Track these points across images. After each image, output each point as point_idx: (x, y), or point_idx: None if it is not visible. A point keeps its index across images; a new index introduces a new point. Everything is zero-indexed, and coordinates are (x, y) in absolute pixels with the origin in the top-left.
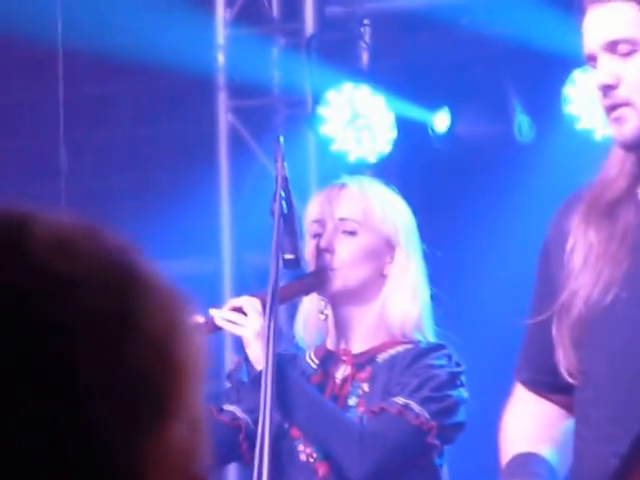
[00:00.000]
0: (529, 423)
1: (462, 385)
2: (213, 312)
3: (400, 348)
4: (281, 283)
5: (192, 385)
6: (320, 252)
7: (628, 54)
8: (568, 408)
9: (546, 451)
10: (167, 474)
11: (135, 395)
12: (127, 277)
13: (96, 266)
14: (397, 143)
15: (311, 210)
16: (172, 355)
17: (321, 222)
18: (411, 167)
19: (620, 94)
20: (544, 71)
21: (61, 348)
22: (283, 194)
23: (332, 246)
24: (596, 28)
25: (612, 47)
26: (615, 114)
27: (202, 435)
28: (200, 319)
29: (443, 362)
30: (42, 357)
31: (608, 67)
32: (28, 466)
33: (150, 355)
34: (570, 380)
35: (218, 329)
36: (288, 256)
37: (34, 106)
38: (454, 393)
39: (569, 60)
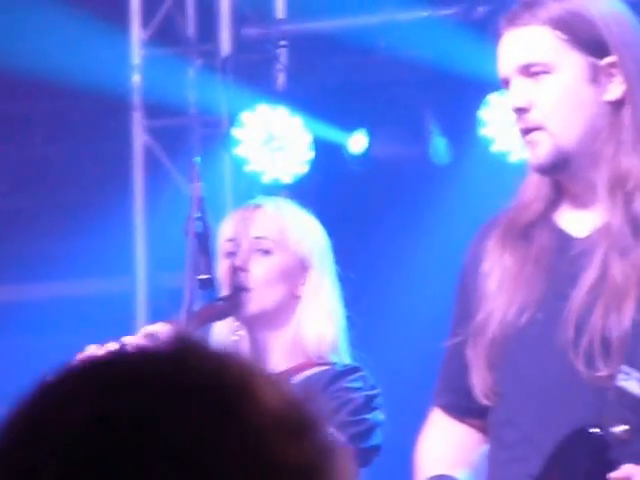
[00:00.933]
0: (444, 446)
1: (377, 408)
2: (127, 339)
3: (316, 369)
4: (196, 306)
5: None
6: (235, 271)
7: (541, 77)
8: (483, 431)
9: (460, 474)
10: None
11: None
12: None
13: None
14: (314, 164)
15: (225, 229)
16: None
17: (235, 241)
18: (327, 188)
19: (532, 118)
20: (460, 94)
21: None
22: (198, 214)
23: (247, 265)
24: (510, 51)
25: (525, 70)
26: (528, 138)
27: None
28: (113, 346)
29: (359, 385)
30: None
31: (521, 90)
32: None
33: None
34: (485, 402)
35: None
36: (203, 276)
37: None
38: (370, 417)
39: (484, 83)
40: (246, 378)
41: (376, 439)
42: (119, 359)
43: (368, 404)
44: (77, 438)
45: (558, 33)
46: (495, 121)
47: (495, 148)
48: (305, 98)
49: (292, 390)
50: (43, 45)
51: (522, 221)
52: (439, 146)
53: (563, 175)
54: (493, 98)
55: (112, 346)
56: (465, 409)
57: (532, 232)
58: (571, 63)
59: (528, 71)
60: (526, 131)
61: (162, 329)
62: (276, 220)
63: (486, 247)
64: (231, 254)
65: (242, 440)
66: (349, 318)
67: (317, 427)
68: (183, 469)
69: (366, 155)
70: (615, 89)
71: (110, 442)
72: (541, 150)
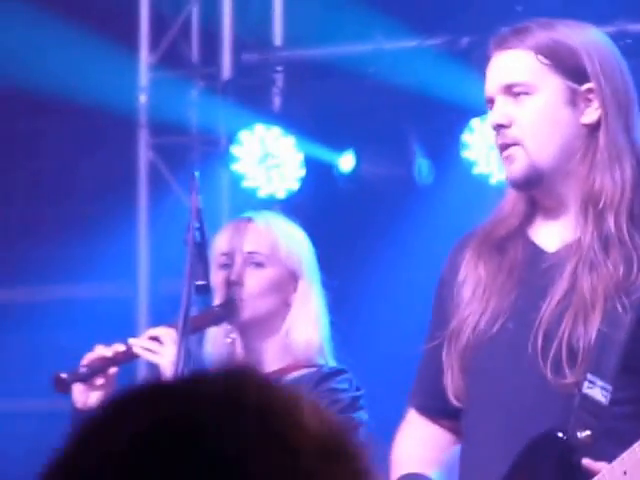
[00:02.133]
0: (418, 446)
1: (362, 408)
2: (132, 341)
3: (304, 371)
4: (193, 311)
5: None
6: (229, 284)
7: (522, 98)
8: (456, 432)
9: (432, 473)
10: None
11: None
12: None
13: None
14: (305, 181)
15: (219, 242)
16: None
17: (229, 255)
18: (317, 203)
19: (511, 134)
20: (444, 118)
21: None
22: (197, 224)
23: (241, 278)
24: (495, 72)
25: (508, 90)
26: (506, 153)
27: None
28: (120, 347)
29: (345, 386)
30: None
31: (502, 108)
32: None
33: None
34: (457, 404)
35: (136, 357)
36: (200, 282)
37: None
38: (355, 416)
39: (467, 109)
40: (293, 402)
41: (360, 437)
42: (179, 380)
43: (353, 404)
44: (137, 440)
45: (541, 58)
46: (477, 145)
47: (477, 170)
48: (298, 119)
49: (334, 419)
50: (57, 66)
51: (497, 234)
52: (422, 167)
53: (537, 191)
54: (475, 123)
55: (119, 347)
56: (439, 410)
57: (506, 245)
58: (551, 86)
59: (510, 91)
60: (504, 147)
61: (164, 332)
62: (267, 235)
63: (463, 258)
64: (225, 266)
65: (283, 459)
66: (333, 323)
67: (357, 455)
68: (225, 476)
69: (354, 174)
70: (592, 113)
71: (165, 444)
72: (516, 165)
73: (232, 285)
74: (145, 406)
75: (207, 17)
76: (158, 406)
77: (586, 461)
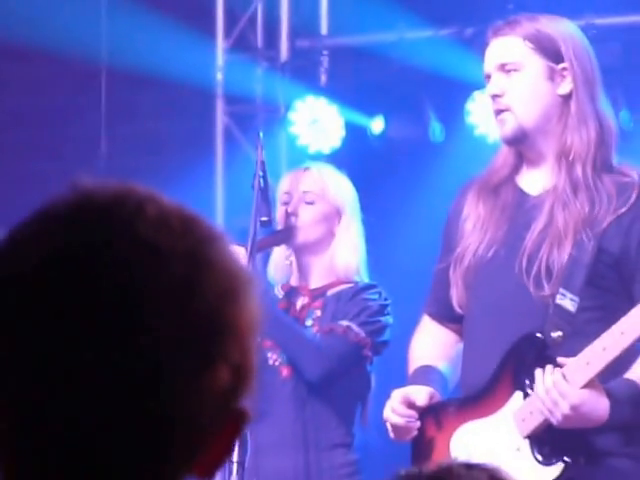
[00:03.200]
0: (430, 344)
1: (388, 314)
2: None
3: (344, 286)
4: (258, 237)
5: (239, 339)
6: (288, 215)
7: (512, 74)
8: (460, 334)
9: (441, 365)
10: (210, 408)
11: (193, 343)
12: (201, 256)
13: (182, 244)
14: (345, 140)
15: (282, 185)
16: (225, 316)
17: (289, 194)
18: (355, 158)
19: (503, 101)
20: (453, 91)
21: (145, 310)
22: (261, 173)
23: (297, 211)
24: (492, 54)
25: (501, 68)
26: (499, 117)
27: (246, 381)
28: None
29: (375, 297)
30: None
31: (497, 81)
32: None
33: (208, 314)
34: (460, 311)
35: None
36: (264, 218)
37: (80, 107)
38: (383, 319)
39: (471, 83)
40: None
41: (386, 336)
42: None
43: (382, 310)
44: (41, 264)
45: (528, 43)
46: (478, 111)
47: (478, 132)
48: (340, 92)
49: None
50: (151, 51)
51: (493, 181)
52: (436, 129)
53: (523, 146)
54: (477, 94)
55: None
56: (446, 316)
57: (499, 190)
58: (535, 65)
59: (503, 68)
60: (498, 112)
61: (236, 249)
62: (319, 179)
63: (466, 199)
64: (286, 203)
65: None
66: (368, 250)
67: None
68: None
69: (383, 135)
70: (565, 86)
71: (66, 269)
72: (507, 126)
73: (290, 216)
74: (48, 234)
75: (269, 11)
76: (55, 237)
77: (559, 358)
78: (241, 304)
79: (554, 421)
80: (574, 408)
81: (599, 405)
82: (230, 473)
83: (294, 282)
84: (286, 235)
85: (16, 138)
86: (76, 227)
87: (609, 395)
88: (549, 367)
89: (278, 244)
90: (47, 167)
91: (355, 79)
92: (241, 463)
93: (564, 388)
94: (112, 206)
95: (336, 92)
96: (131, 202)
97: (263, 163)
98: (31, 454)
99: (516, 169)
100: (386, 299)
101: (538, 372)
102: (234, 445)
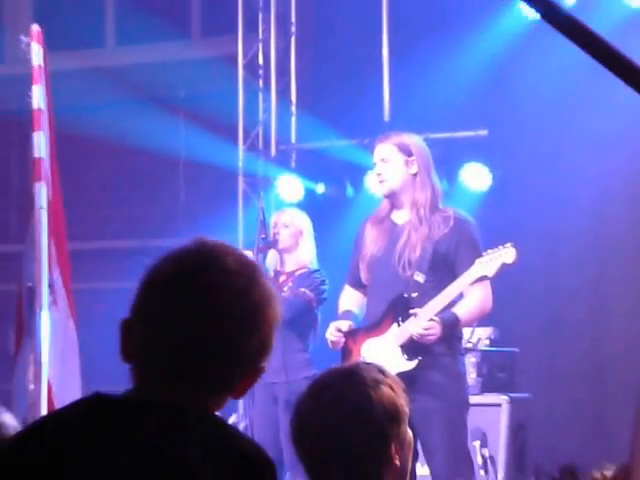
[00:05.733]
0: (350, 299)
1: (326, 284)
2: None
3: (303, 270)
4: (260, 245)
5: (267, 324)
6: (275, 234)
7: (386, 162)
8: (365, 295)
9: (355, 310)
10: (249, 359)
11: (248, 320)
12: (253, 277)
13: (243, 271)
14: (304, 196)
15: (273, 218)
16: (263, 310)
17: (276, 223)
18: (309, 204)
19: (382, 177)
20: (359, 170)
21: (225, 301)
22: (262, 213)
23: (279, 231)
24: (377, 152)
25: (381, 159)
26: (380, 184)
27: (268, 349)
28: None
29: (318, 276)
30: None
31: (379, 166)
32: None
33: (255, 307)
34: (365, 283)
35: None
36: (262, 236)
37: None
38: (323, 287)
39: (367, 166)
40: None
41: (325, 295)
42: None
43: (322, 283)
44: None
45: (394, 147)
46: (371, 180)
47: (371, 191)
48: (302, 172)
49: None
50: (211, 150)
51: (379, 217)
52: (349, 190)
53: (393, 199)
54: (369, 172)
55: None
56: (358, 285)
57: (382, 221)
58: (398, 158)
59: (382, 160)
60: (380, 181)
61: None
62: (289, 215)
63: (365, 226)
64: (274, 227)
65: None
66: (318, 252)
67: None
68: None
69: (323, 193)
70: (414, 169)
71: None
72: (384, 188)
73: (275, 234)
74: (178, 260)
75: (266, 130)
76: None
77: (413, 309)
78: (272, 306)
79: (414, 337)
80: (425, 329)
81: (435, 329)
82: None
83: (278, 267)
84: (274, 244)
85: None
86: (192, 257)
87: (441, 322)
88: (411, 311)
89: (270, 249)
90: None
91: (309, 164)
92: None
93: (420, 319)
94: (212, 250)
95: (299, 171)
96: (220, 249)
97: (262, 208)
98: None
99: (390, 210)
100: (324, 277)
101: (405, 314)
102: (254, 383)
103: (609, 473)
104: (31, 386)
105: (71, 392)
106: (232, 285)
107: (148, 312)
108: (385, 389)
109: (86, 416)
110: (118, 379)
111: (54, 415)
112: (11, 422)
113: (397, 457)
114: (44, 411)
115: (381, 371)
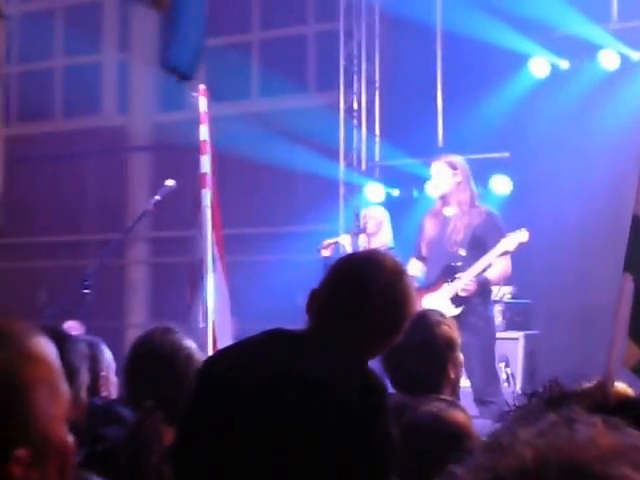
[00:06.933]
0: (413, 267)
1: (399, 258)
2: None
3: (384, 248)
4: (355, 231)
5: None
6: (364, 224)
7: (439, 173)
8: (426, 264)
9: (419, 274)
10: None
11: (393, 305)
12: (398, 271)
13: (389, 266)
14: (385, 197)
15: (362, 212)
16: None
17: (365, 215)
18: (388, 203)
19: (436, 183)
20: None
21: (371, 290)
22: (358, 210)
23: (367, 221)
24: (433, 168)
25: (436, 172)
26: (435, 188)
27: None
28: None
29: (395, 253)
30: None
31: (434, 177)
32: None
33: (400, 297)
34: (426, 256)
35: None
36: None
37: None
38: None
39: (424, 176)
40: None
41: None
42: None
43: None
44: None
45: (444, 164)
46: (429, 186)
47: (430, 194)
48: (383, 180)
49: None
50: (323, 166)
51: (434, 211)
52: (414, 193)
53: (443, 199)
54: (428, 183)
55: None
56: (421, 257)
57: (437, 214)
58: (447, 171)
59: (437, 173)
60: (435, 186)
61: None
62: (374, 210)
63: (425, 218)
64: (364, 218)
65: None
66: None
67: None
68: None
69: (398, 196)
70: (458, 178)
71: None
72: (437, 191)
73: (365, 224)
74: (345, 264)
75: (358, 150)
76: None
77: (459, 274)
78: (412, 298)
79: (459, 293)
80: (466, 287)
81: (473, 287)
82: None
83: (366, 247)
84: (363, 230)
85: None
86: (354, 263)
87: (477, 282)
88: (456, 275)
89: (361, 233)
90: None
91: (388, 176)
92: None
93: (463, 280)
94: (369, 255)
95: (381, 180)
96: (375, 254)
97: (356, 206)
98: None
99: (442, 207)
100: (398, 253)
101: (453, 277)
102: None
103: (588, 385)
104: (201, 324)
105: (225, 329)
106: (380, 276)
107: (327, 287)
108: (444, 327)
109: (270, 339)
110: (257, 317)
111: (244, 340)
112: (195, 346)
113: (452, 372)
114: (210, 342)
115: (441, 315)
